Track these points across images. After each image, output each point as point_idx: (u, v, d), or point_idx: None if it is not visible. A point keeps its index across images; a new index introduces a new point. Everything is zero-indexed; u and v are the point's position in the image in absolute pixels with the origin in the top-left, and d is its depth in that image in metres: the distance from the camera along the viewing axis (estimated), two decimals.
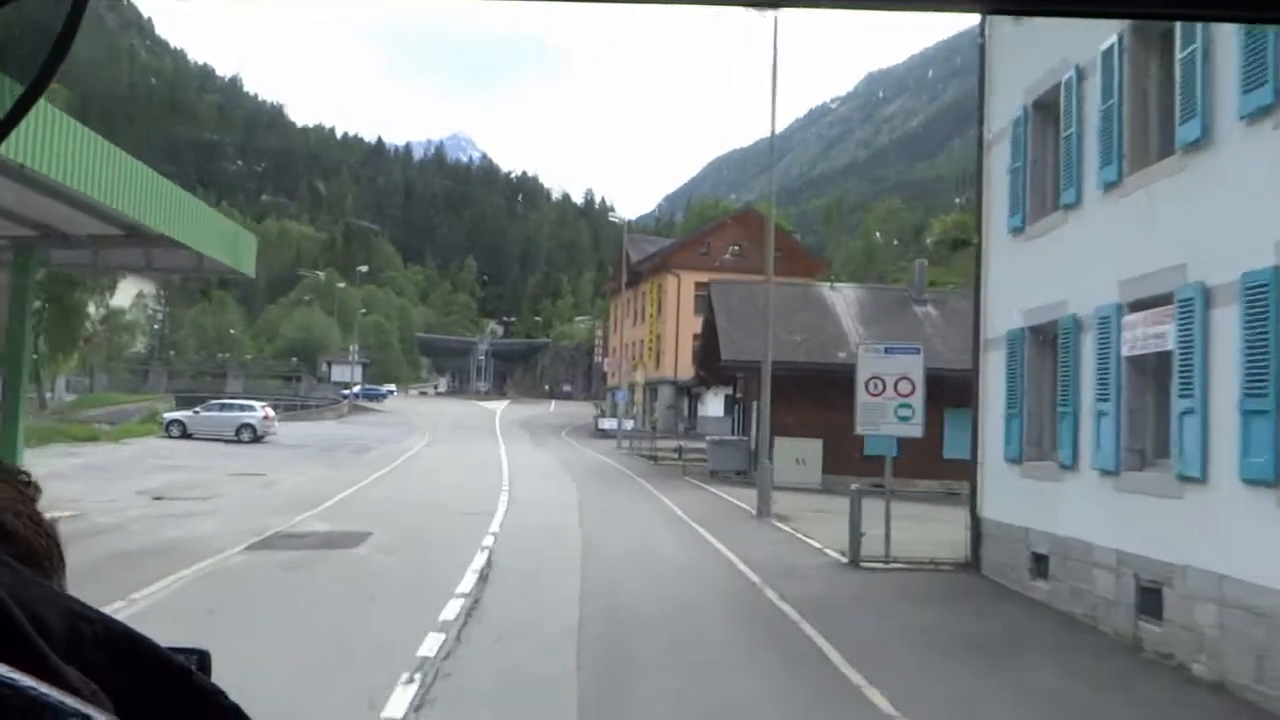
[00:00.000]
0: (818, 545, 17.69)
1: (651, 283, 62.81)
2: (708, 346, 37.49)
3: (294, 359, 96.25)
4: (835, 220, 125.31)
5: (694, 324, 62.61)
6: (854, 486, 15.97)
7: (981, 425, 15.95)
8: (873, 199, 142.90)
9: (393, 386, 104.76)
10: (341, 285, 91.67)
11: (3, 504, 0.78)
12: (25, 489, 0.84)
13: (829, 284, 36.40)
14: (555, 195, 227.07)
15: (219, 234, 17.04)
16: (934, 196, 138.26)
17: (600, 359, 78.00)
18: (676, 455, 42.11)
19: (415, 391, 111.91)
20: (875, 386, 16.54)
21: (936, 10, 0.74)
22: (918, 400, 16.45)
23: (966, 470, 16.88)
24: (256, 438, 42.87)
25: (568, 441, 54.60)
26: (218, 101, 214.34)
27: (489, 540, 16.76)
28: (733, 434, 37.64)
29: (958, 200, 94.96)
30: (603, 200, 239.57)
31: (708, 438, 35.37)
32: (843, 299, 34.32)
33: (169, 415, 44.06)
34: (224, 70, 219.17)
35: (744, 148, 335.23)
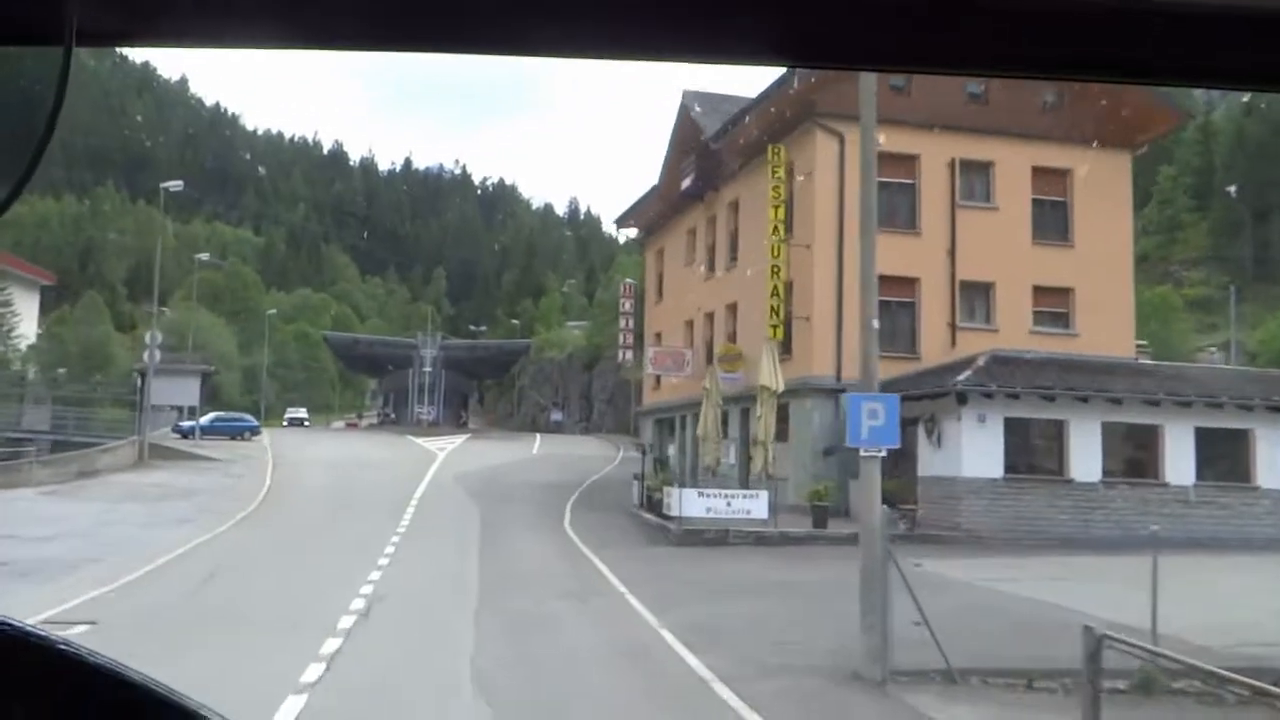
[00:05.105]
0: None
1: (772, 156, 24.60)
2: None
3: (138, 376, 57.40)
4: None
5: (901, 247, 24.49)
6: None
7: None
8: None
9: (303, 413, 65.92)
10: (200, 253, 53.29)
11: None
12: None
13: None
14: (536, 205, 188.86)
15: None
16: None
17: (624, 357, 39.54)
18: None
19: (341, 423, 73.08)
20: None
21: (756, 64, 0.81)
22: None
23: None
24: None
25: (597, 569, 16.18)
26: (157, 103, 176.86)
27: None
28: None
29: None
30: (588, 209, 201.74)
31: None
32: None
33: None
34: (168, 73, 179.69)
35: None
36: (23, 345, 65.69)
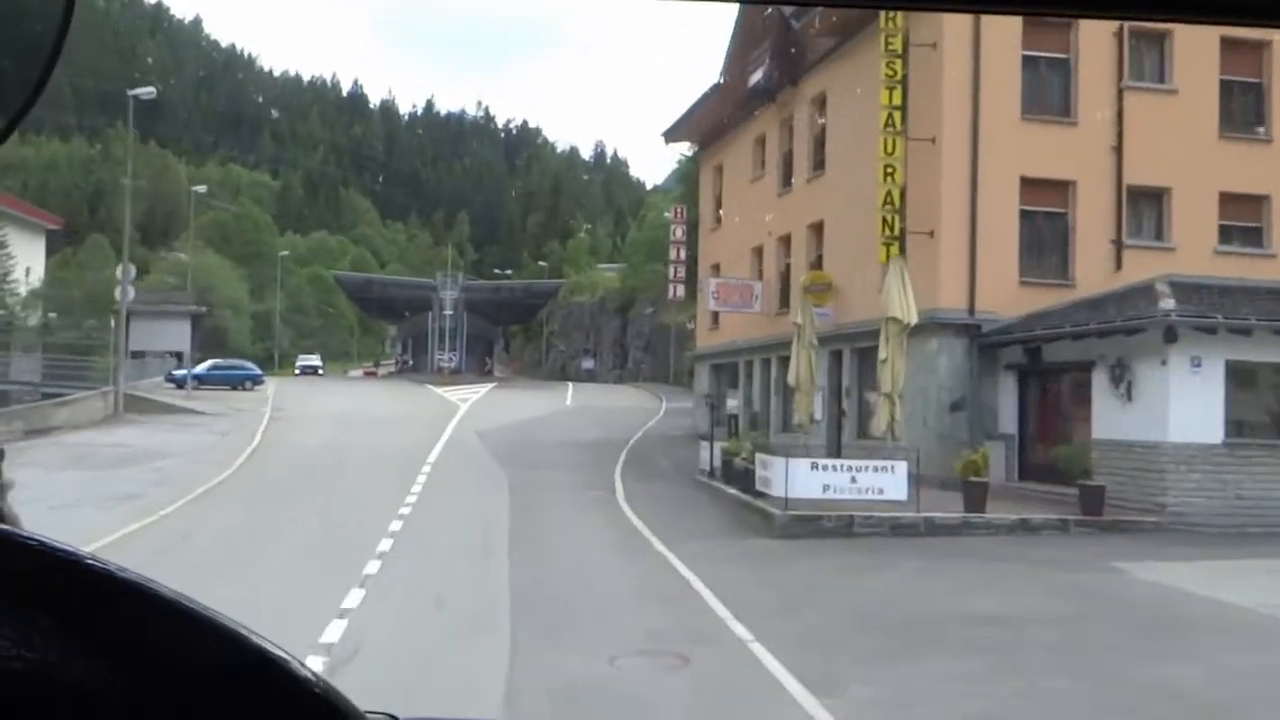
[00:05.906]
0: None
1: (885, 24, 18.74)
2: None
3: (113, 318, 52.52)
4: None
5: (1051, 139, 18.66)
6: None
7: None
8: None
9: (316, 361, 60.89)
10: (215, 198, 47.90)
11: None
12: None
13: None
14: (561, 148, 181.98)
15: None
16: None
17: (675, 293, 34.07)
18: None
19: (358, 371, 68.17)
20: None
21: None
22: None
23: None
24: None
25: (685, 582, 10.48)
26: (169, 44, 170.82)
27: None
28: None
29: None
30: (615, 153, 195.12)
31: None
32: None
33: None
34: (181, 13, 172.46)
35: None
36: (22, 290, 61.00)
